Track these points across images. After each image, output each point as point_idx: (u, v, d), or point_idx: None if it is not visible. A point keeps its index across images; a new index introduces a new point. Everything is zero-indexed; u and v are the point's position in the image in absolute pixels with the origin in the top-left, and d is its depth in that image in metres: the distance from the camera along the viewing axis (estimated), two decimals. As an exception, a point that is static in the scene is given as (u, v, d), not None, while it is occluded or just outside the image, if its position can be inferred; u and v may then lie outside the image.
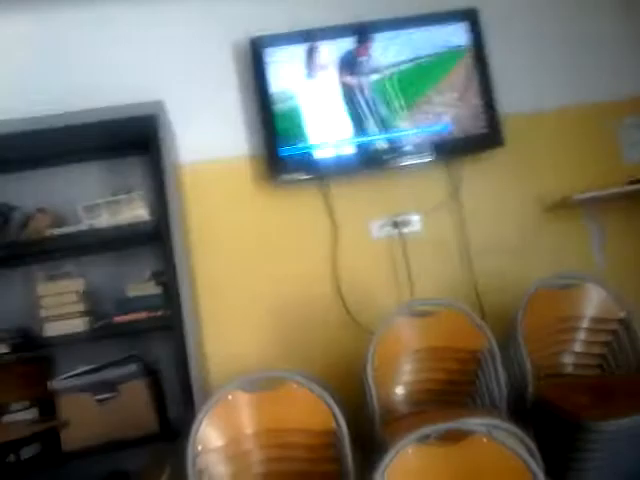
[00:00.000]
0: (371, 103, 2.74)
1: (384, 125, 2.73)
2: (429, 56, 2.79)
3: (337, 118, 2.72)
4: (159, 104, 2.44)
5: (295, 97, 2.70)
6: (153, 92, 2.55)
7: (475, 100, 2.79)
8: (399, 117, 2.75)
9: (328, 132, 2.71)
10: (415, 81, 2.78)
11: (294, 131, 2.68)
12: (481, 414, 2.00)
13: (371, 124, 2.73)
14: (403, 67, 2.77)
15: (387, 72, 2.76)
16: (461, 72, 2.80)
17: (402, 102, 2.75)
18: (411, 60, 2.78)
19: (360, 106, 2.73)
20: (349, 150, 2.71)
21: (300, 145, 2.68)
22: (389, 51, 2.77)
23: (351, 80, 2.74)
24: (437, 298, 2.50)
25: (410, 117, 2.75)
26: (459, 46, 2.82)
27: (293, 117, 2.69)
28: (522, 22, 3.01)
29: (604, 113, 2.99)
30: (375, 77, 2.75)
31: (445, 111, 2.77)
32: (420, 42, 2.79)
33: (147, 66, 2.76)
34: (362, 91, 2.74)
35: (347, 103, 2.73)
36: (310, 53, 2.73)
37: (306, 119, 2.69)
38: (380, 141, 2.73)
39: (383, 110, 2.74)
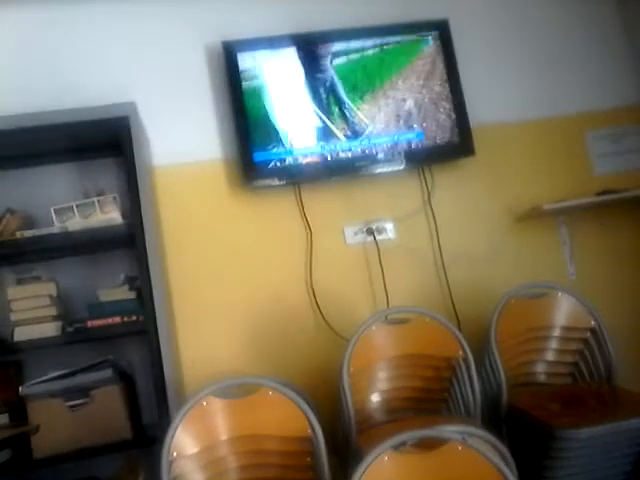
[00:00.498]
0: (344, 107, 2.75)
1: (356, 131, 2.74)
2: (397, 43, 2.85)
3: (311, 124, 2.72)
4: (132, 105, 2.41)
5: (269, 102, 2.69)
6: (126, 94, 2.52)
7: (446, 109, 2.82)
8: (366, 111, 2.76)
9: (302, 138, 2.71)
10: (379, 70, 2.82)
11: (268, 137, 2.68)
12: (456, 422, 2.01)
13: (344, 131, 2.74)
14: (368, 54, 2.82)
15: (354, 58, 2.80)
16: (426, 65, 2.84)
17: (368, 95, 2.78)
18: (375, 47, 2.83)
19: (332, 112, 2.74)
20: (323, 157, 2.71)
21: (274, 151, 2.68)
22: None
23: (320, 83, 2.75)
24: (412, 306, 2.52)
25: (378, 115, 2.77)
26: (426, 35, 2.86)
27: (267, 123, 2.68)
28: (493, 34, 3.06)
29: (575, 125, 3.05)
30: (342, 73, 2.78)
31: (414, 107, 2.80)
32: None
33: (120, 68, 2.73)
34: (336, 96, 2.75)
35: (320, 109, 2.73)
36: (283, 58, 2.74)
37: (280, 125, 2.69)
38: (353, 149, 2.74)
39: (353, 108, 2.76)
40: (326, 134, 2.73)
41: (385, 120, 2.78)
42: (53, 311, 2.28)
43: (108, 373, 2.19)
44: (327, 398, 2.22)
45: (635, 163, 3.07)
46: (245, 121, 2.67)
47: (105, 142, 2.45)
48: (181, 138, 2.74)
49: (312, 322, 2.70)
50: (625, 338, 2.52)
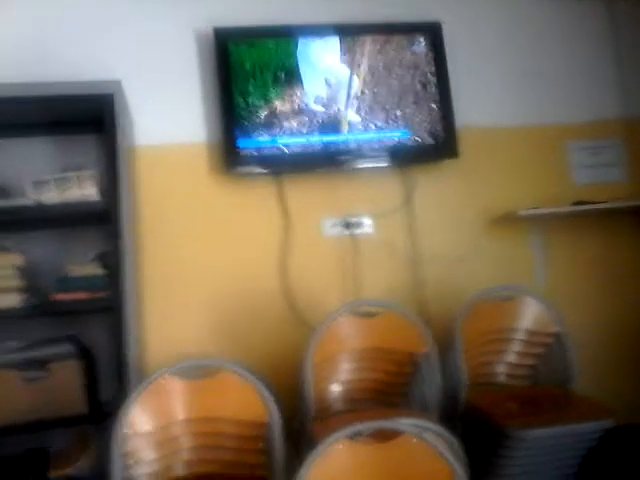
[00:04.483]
0: (332, 100, 2.76)
1: (342, 125, 2.76)
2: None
3: (297, 115, 2.72)
4: (117, 84, 2.39)
5: (257, 90, 2.70)
6: (112, 71, 2.51)
7: (433, 111, 2.84)
8: (353, 106, 2.78)
9: (287, 129, 2.71)
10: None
11: (254, 124, 2.68)
12: (413, 415, 2.03)
13: (330, 125, 2.75)
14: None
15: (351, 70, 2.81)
16: (416, 65, 2.87)
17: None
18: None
19: (319, 105, 2.75)
20: (307, 148, 2.72)
21: (259, 139, 2.68)
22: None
23: (311, 76, 2.76)
24: (381, 300, 2.53)
25: (365, 111, 2.79)
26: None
27: (253, 110, 2.69)
28: (485, 40, 3.08)
29: (557, 135, 3.08)
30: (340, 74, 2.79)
31: (401, 105, 2.82)
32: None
33: (108, 45, 2.71)
34: (324, 89, 2.76)
35: (307, 101, 2.74)
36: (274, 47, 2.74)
37: (266, 114, 2.70)
38: (338, 142, 2.75)
39: (340, 102, 2.77)
40: (311, 126, 2.73)
41: (371, 117, 2.79)
42: (17, 282, 2.23)
43: (68, 348, 2.19)
44: (289, 385, 2.23)
45: (611, 176, 3.11)
46: (231, 107, 2.67)
47: (88, 118, 2.42)
48: (165, 119, 2.73)
49: (282, 309, 2.72)
50: (587, 346, 2.55)
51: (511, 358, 2.50)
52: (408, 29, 2.90)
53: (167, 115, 2.74)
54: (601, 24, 3.22)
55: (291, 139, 2.71)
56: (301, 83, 2.75)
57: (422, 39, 2.89)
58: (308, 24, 2.81)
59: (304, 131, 2.72)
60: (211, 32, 2.72)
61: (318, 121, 2.74)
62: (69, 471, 1.88)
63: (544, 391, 2.36)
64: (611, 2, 3.20)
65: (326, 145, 2.74)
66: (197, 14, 2.80)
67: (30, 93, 2.24)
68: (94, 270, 2.32)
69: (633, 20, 3.11)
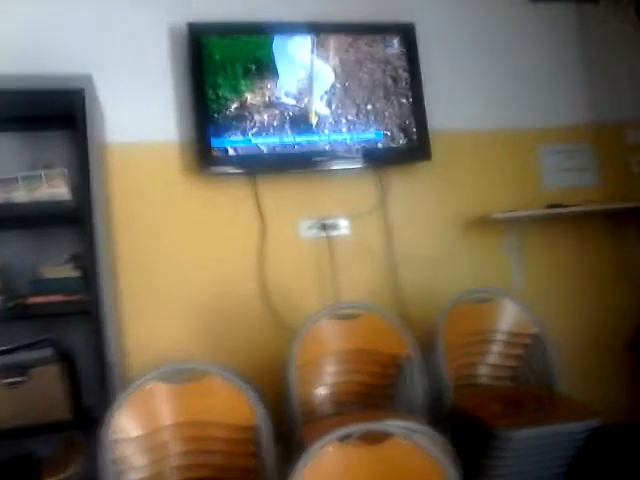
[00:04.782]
0: (306, 100, 2.74)
1: (316, 126, 2.74)
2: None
3: (272, 115, 2.70)
4: (87, 78, 2.32)
5: (231, 89, 2.66)
6: (83, 66, 2.44)
7: (407, 113, 2.85)
8: (327, 107, 2.77)
9: (262, 128, 2.68)
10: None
11: (227, 124, 2.64)
12: (401, 417, 2.03)
13: (305, 125, 2.73)
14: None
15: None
16: (390, 67, 2.87)
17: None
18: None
19: (294, 105, 2.73)
20: (281, 149, 2.70)
21: (232, 139, 2.64)
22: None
23: (286, 74, 2.74)
24: (362, 302, 2.52)
25: (339, 112, 2.78)
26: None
27: (227, 109, 2.65)
28: (459, 43, 3.10)
29: (529, 139, 3.13)
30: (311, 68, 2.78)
31: (375, 107, 2.82)
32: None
33: (79, 39, 2.62)
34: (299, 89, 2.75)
35: (282, 100, 2.71)
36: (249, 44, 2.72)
37: (240, 113, 2.66)
38: (312, 143, 2.74)
39: (314, 103, 2.76)
40: (286, 127, 2.71)
41: (345, 118, 2.78)
42: (-9, 285, 2.16)
43: (48, 352, 2.11)
44: (273, 388, 2.19)
45: (583, 180, 3.17)
46: (205, 106, 2.63)
47: (57, 113, 2.33)
48: (137, 116, 2.65)
49: (261, 312, 2.68)
50: (566, 347, 2.58)
51: (492, 359, 2.53)
52: (382, 30, 2.90)
53: (139, 112, 2.66)
54: (572, 27, 3.28)
55: (265, 139, 2.68)
56: (272, 76, 2.72)
57: (395, 40, 2.89)
58: (282, 21, 2.79)
59: (279, 131, 2.69)
60: (185, 27, 2.67)
61: (289, 114, 2.71)
62: (60, 478, 1.80)
63: (528, 392, 2.39)
64: (580, 6, 3.26)
65: (300, 145, 2.72)
66: (171, 9, 2.74)
67: (-3, 85, 2.15)
68: (69, 272, 2.25)
69: (602, 24, 3.17)
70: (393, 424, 1.82)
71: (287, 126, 2.71)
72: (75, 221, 2.24)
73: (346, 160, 2.78)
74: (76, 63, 2.51)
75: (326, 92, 2.78)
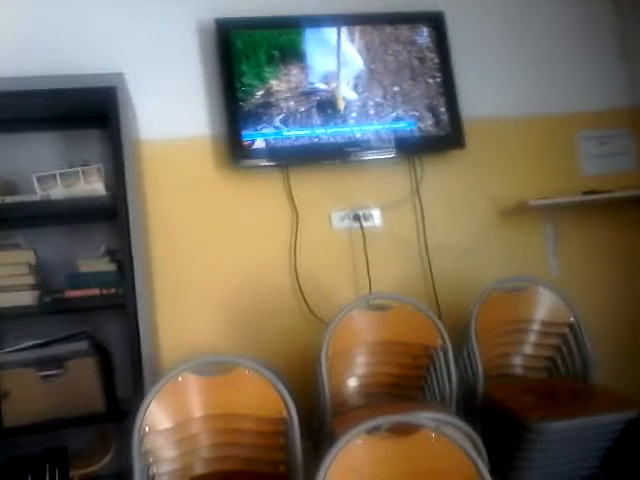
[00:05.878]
0: (337, 91, 2.73)
1: (348, 117, 2.73)
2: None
3: (302, 107, 2.70)
4: (120, 76, 2.36)
5: (261, 82, 2.67)
6: (115, 65, 2.50)
7: (439, 101, 2.82)
8: (358, 97, 2.76)
9: (293, 120, 2.68)
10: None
11: (258, 116, 2.65)
12: (431, 409, 2.02)
13: (336, 116, 2.72)
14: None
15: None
16: (421, 56, 2.85)
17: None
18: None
19: (325, 96, 2.72)
20: (313, 140, 2.70)
21: (264, 131, 2.65)
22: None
23: (316, 66, 2.74)
24: (394, 293, 2.51)
25: (371, 102, 2.76)
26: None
27: (258, 102, 2.66)
28: (490, 30, 3.06)
29: (566, 125, 3.06)
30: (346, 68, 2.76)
31: (406, 96, 2.80)
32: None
33: (110, 38, 2.67)
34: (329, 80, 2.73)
35: (312, 92, 2.71)
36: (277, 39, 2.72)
37: (271, 105, 2.67)
38: (344, 134, 2.72)
39: (346, 93, 2.74)
40: (318, 118, 2.71)
41: (377, 108, 2.76)
42: (31, 280, 2.22)
43: (84, 345, 2.16)
44: (303, 380, 2.21)
45: (621, 165, 3.10)
46: (235, 99, 2.64)
47: (91, 112, 2.39)
48: (169, 112, 2.69)
49: (293, 304, 2.69)
50: (603, 336, 2.52)
51: (527, 350, 2.48)
52: (411, 19, 2.87)
53: (170, 108, 2.70)
54: (607, 10, 3.20)
55: (297, 131, 2.68)
56: (298, 63, 2.71)
57: (425, 29, 2.87)
58: (309, 15, 2.78)
59: (310, 123, 2.68)
60: (213, 23, 2.69)
61: (316, 100, 2.71)
62: (91, 470, 1.86)
63: (562, 383, 2.35)
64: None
65: (332, 137, 2.71)
66: (199, 5, 2.77)
67: (33, 87, 2.22)
68: (105, 266, 2.30)
69: (637, 7, 3.08)
70: (422, 416, 1.81)
71: (314, 111, 2.71)
72: (111, 216, 2.29)
73: (378, 150, 2.76)
74: (108, 62, 2.56)
75: (354, 77, 2.76)
